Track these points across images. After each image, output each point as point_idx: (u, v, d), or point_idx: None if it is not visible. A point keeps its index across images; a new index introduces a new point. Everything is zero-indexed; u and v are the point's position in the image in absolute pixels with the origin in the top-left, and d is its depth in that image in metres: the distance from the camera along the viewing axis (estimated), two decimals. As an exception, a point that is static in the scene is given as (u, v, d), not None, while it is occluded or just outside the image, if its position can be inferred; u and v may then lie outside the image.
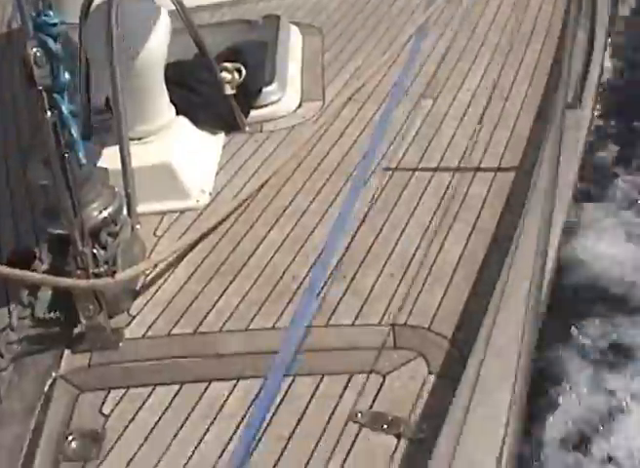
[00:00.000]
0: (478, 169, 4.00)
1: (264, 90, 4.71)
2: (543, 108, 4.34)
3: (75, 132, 3.04)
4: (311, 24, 5.70)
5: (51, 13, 2.98)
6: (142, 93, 4.07)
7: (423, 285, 3.34)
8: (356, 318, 3.23)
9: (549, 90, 4.50)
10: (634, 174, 6.05)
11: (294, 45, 5.25)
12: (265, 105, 4.73)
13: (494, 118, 4.43)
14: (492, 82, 4.78)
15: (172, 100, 4.26)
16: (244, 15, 5.67)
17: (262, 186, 4.07)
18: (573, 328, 4.76)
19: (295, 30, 5.40)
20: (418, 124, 4.47)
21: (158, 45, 4.03)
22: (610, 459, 4.08)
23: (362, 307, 3.27)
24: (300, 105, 4.81)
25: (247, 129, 4.58)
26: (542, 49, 5.07)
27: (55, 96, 2.99)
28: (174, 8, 4.11)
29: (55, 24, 2.99)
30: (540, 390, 4.29)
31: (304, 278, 3.47)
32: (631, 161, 6.18)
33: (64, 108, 3.01)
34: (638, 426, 4.20)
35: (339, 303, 3.31)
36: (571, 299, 4.86)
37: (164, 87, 4.19)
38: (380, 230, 3.69)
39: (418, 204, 3.83)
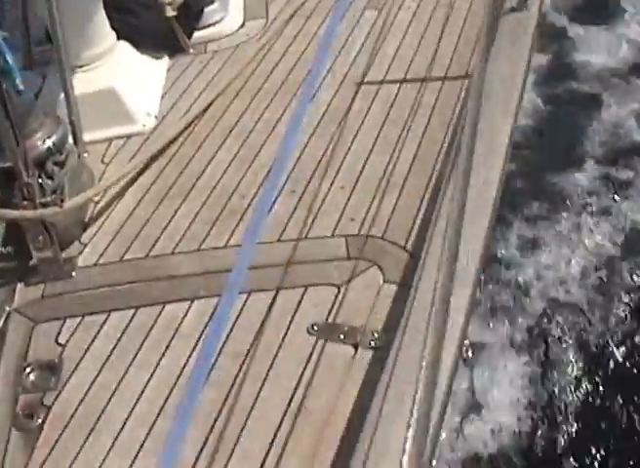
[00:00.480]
0: (425, 79, 3.96)
1: (206, 10, 4.62)
2: (489, 15, 4.26)
3: (10, 59, 2.97)
4: None
5: None
6: (81, 19, 3.97)
7: (375, 195, 3.33)
8: (308, 231, 3.23)
9: None
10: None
11: None
12: (208, 26, 4.65)
13: (439, 27, 4.35)
14: None
15: (112, 26, 4.16)
16: None
17: (209, 107, 4.02)
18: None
19: None
20: (363, 37, 4.40)
21: None
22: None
23: (314, 221, 3.27)
24: (243, 24, 4.72)
25: (190, 50, 4.51)
26: None
27: None
28: None
29: None
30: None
31: (254, 196, 3.46)
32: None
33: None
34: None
35: (290, 218, 3.30)
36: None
37: (103, 12, 4.09)
38: (329, 144, 3.66)
39: (366, 116, 3.79)
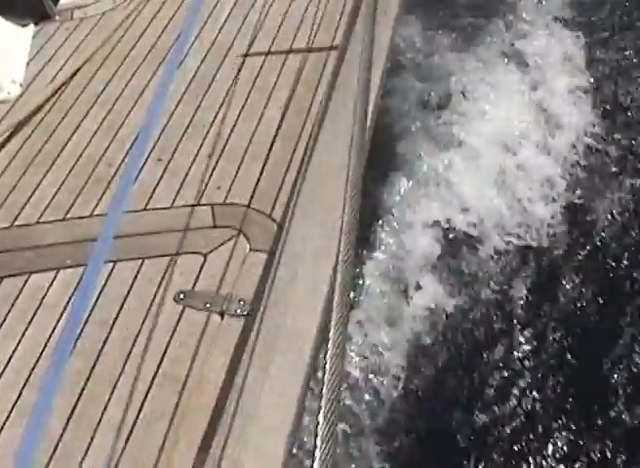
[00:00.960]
0: (291, 49, 3.98)
1: (70, -22, 4.52)
2: None
3: None
4: None
5: None
6: None
7: (241, 164, 3.36)
8: (174, 200, 3.24)
9: None
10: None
11: None
12: None
13: None
14: None
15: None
16: None
17: (75, 75, 3.97)
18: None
19: None
20: (231, 3, 4.39)
21: None
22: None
23: (180, 189, 3.28)
24: None
25: (57, 17, 4.42)
26: None
27: None
28: None
29: None
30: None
31: (120, 164, 3.44)
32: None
33: None
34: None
35: (156, 187, 3.30)
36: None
37: None
38: (196, 112, 3.66)
39: (233, 84, 3.80)
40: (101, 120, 3.70)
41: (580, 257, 4.92)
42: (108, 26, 4.27)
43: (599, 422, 4.11)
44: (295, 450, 2.64)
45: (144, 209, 3.22)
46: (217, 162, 3.38)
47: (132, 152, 3.46)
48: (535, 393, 4.25)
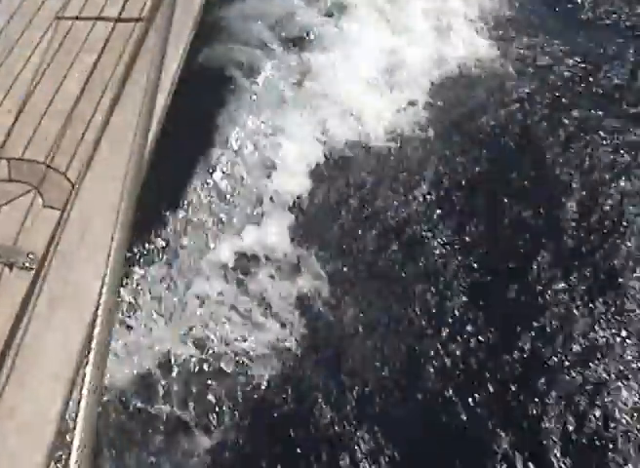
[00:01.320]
0: (100, 17, 4.03)
1: None
2: None
3: None
4: None
5: None
6: None
7: (41, 121, 3.42)
8: None
9: None
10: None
11: None
12: None
13: None
14: None
15: None
16: None
17: None
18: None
19: None
20: None
21: None
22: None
23: None
24: None
25: None
26: None
27: None
28: None
29: None
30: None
31: None
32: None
33: None
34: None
35: None
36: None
37: None
38: (0, 66, 3.68)
39: (39, 43, 3.83)
40: None
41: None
42: None
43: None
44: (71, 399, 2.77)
45: None
46: (16, 117, 3.43)
47: None
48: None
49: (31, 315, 2.71)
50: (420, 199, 5.15)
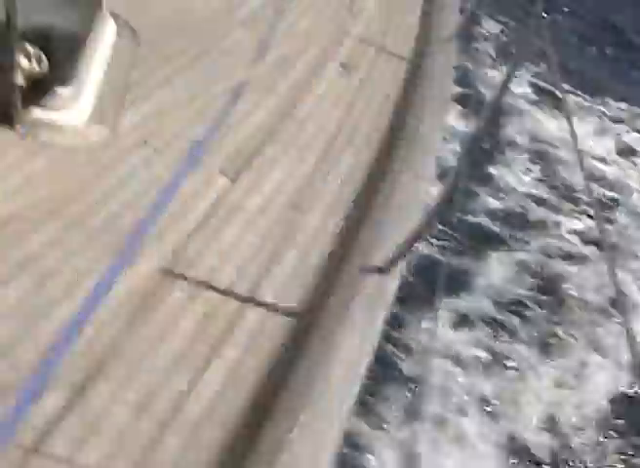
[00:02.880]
0: None
1: (57, 90, 3.86)
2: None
3: None
4: (128, 23, 4.74)
5: None
6: None
7: None
8: None
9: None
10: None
11: (105, 44, 4.38)
12: (50, 108, 3.86)
13: None
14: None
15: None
16: None
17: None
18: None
19: (111, 25, 4.51)
20: (209, 201, 3.79)
21: None
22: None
23: None
24: (89, 122, 3.98)
25: (20, 128, 3.72)
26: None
27: None
28: None
29: None
30: None
31: None
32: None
33: None
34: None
35: None
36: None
37: None
38: None
39: None
40: None
41: None
42: (71, 167, 3.68)
43: None
44: None
45: None
46: None
47: None
48: None
49: None
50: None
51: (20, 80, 3.63)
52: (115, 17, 4.65)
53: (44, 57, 3.75)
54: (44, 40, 3.79)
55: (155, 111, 4.24)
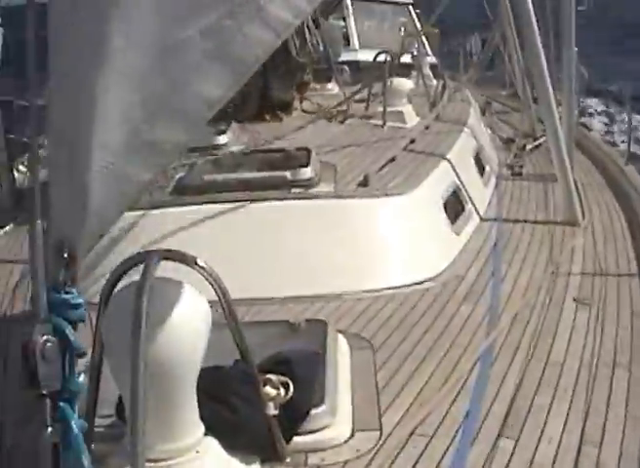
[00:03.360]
0: None
1: (312, 412, 3.74)
2: None
3: (86, 460, 2.08)
4: (360, 335, 4.91)
5: (75, 290, 2.13)
6: (167, 404, 3.09)
7: None
8: None
9: None
10: None
11: (343, 359, 4.40)
12: (312, 432, 3.76)
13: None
14: (579, 427, 3.96)
15: (201, 415, 3.26)
16: (283, 316, 4.86)
17: None
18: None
19: (342, 341, 4.57)
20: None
21: (194, 346, 3.09)
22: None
23: None
24: (352, 435, 3.86)
25: (287, 459, 3.58)
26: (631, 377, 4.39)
27: (62, 405, 2.17)
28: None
29: (78, 306, 2.18)
30: None
31: None
32: None
33: (74, 423, 2.15)
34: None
35: None
36: None
37: (194, 399, 3.21)
38: None
39: None
40: None
41: None
42: None
43: None
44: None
45: None
46: None
47: None
48: None
49: None
50: None
51: (272, 410, 3.51)
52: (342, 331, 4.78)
53: (289, 381, 3.65)
54: (283, 364, 3.75)
55: (413, 402, 4.17)
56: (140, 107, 2.11)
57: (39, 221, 2.18)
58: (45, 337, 2.08)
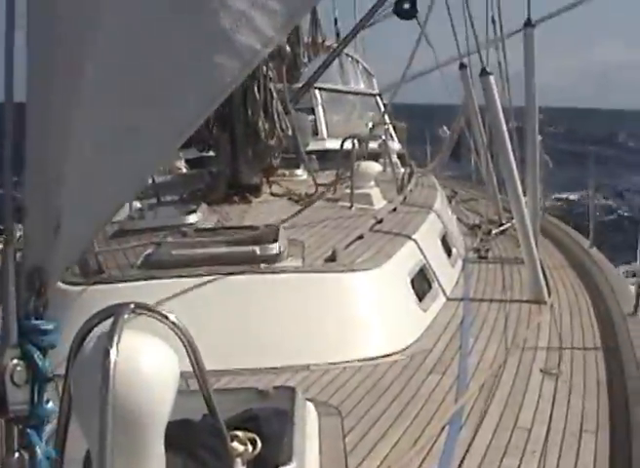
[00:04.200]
0: None
1: (281, 471, 3.69)
2: None
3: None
4: (328, 403, 4.92)
5: (45, 316, 2.16)
6: (134, 456, 3.03)
7: None
8: None
9: None
10: None
11: (311, 423, 4.35)
12: None
13: None
14: None
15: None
16: (251, 385, 4.85)
17: None
18: None
19: (310, 407, 4.53)
20: None
21: (163, 397, 3.05)
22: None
23: None
24: None
25: None
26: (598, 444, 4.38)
27: (29, 431, 2.14)
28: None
29: (47, 333, 2.16)
30: None
31: None
32: None
33: (38, 450, 2.12)
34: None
35: None
36: None
37: (162, 451, 3.17)
38: None
39: None
40: None
41: None
42: None
43: None
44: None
45: None
46: None
47: None
48: None
49: None
50: None
51: (239, 466, 3.48)
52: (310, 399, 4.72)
53: (257, 437, 3.62)
54: (251, 420, 3.72)
55: (381, 464, 4.19)
56: (112, 131, 2.14)
57: (12, 248, 2.18)
58: (14, 361, 2.07)
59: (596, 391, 5.26)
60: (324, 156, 13.04)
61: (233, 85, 2.16)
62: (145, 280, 6.15)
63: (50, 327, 2.16)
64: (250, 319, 5.82)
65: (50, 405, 2.18)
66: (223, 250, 6.54)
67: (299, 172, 12.05)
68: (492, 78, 7.63)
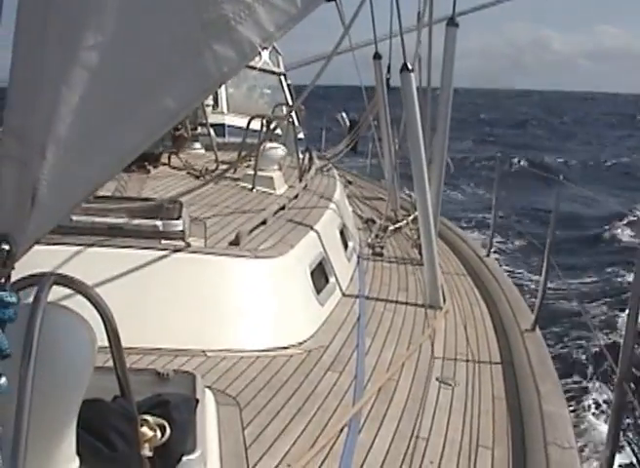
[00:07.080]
0: None
1: (185, 458, 3.63)
2: None
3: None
4: (226, 392, 4.87)
5: (7, 288, 2.12)
6: (47, 433, 2.94)
7: None
8: None
9: None
10: None
11: (210, 412, 4.28)
12: None
13: None
14: None
15: (78, 451, 3.13)
16: (147, 366, 4.89)
17: None
18: None
19: (210, 395, 4.46)
20: None
21: (81, 376, 2.98)
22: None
23: None
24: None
25: None
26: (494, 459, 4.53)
27: None
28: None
29: (9, 305, 2.12)
30: None
31: None
32: None
33: None
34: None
35: None
36: None
37: (74, 432, 3.09)
38: None
39: None
40: None
41: None
42: None
43: None
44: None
45: None
46: None
47: None
48: None
49: None
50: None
51: (147, 452, 3.41)
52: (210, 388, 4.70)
53: (166, 424, 3.55)
54: (162, 406, 3.64)
55: (281, 461, 4.18)
56: (101, 110, 2.06)
57: None
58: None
59: (491, 406, 5.34)
60: (222, 131, 12.85)
61: (228, 76, 2.10)
62: (45, 245, 5.92)
63: (13, 299, 2.08)
64: (148, 296, 5.65)
65: (3, 380, 2.10)
66: (124, 221, 6.33)
67: (197, 145, 11.86)
68: (412, 76, 7.52)
